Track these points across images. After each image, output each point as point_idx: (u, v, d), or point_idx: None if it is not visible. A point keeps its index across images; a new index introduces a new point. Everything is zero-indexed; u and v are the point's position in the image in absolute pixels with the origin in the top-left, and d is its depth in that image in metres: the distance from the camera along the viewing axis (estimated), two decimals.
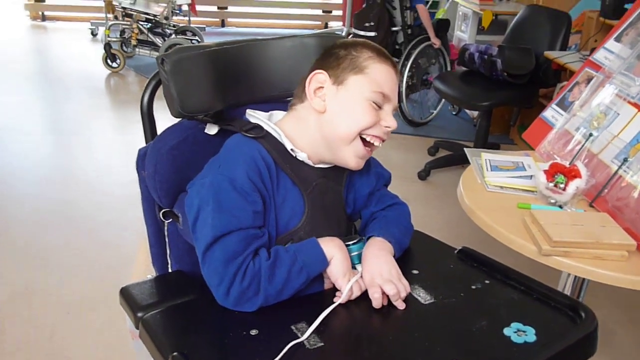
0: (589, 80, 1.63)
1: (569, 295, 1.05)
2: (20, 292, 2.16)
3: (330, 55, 1.03)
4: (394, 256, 1.03)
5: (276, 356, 0.80)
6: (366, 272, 0.97)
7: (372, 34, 3.98)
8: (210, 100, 1.02)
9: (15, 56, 5.68)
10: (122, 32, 5.32)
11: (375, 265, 0.98)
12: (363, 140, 1.02)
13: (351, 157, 1.02)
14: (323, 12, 7.76)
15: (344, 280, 0.95)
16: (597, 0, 3.13)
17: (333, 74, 1.01)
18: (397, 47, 4.10)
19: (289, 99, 1.20)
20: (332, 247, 0.97)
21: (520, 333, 0.87)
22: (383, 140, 1.04)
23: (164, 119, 1.09)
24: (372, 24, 3.96)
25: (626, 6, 2.75)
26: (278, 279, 0.91)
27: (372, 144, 1.03)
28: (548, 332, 0.87)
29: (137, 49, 5.24)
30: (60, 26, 7.09)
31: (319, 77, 1.01)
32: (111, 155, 3.45)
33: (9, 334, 1.94)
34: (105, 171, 3.19)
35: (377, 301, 0.93)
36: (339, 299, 0.93)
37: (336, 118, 1.00)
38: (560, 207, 1.33)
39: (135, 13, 5.14)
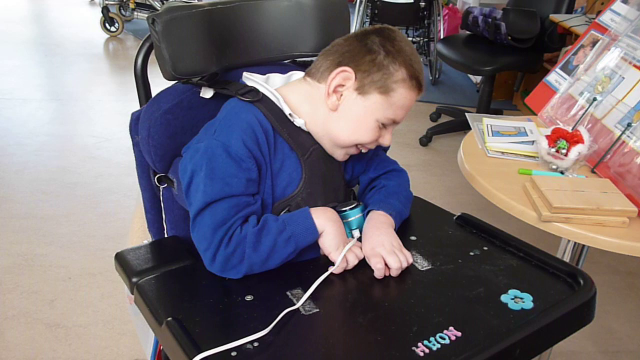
0: (594, 43, 1.59)
1: (568, 262, 1.03)
2: (20, 261, 2.17)
3: (367, 52, 0.96)
4: (395, 229, 1.01)
5: (271, 322, 0.79)
6: (367, 244, 0.96)
7: (409, 0, 3.87)
8: (203, 62, 0.99)
9: (12, 21, 5.60)
10: None
11: (376, 237, 0.97)
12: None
13: (339, 156, 1.04)
14: None
15: (336, 254, 0.93)
16: None
17: (359, 79, 0.96)
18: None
19: (286, 61, 1.17)
20: (324, 219, 0.95)
21: (517, 300, 0.86)
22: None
23: (161, 84, 1.06)
24: None
25: None
26: (263, 247, 0.90)
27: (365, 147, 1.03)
28: (546, 299, 0.86)
29: (135, 13, 5.17)
30: None
31: (346, 76, 0.97)
32: (110, 121, 3.42)
33: (9, 301, 1.96)
34: (105, 137, 3.17)
35: (380, 271, 0.92)
36: (333, 268, 0.92)
37: (342, 123, 0.98)
38: (562, 173, 1.31)
39: None
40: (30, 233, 2.34)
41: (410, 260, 0.95)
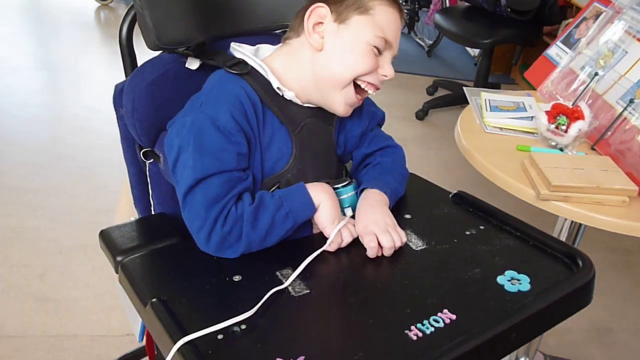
0: (597, 15, 1.55)
1: (566, 242, 1.00)
2: (9, 234, 2.13)
3: None
4: (389, 207, 0.98)
5: (259, 303, 0.76)
6: (360, 222, 0.93)
7: None
8: (189, 31, 0.94)
9: None
10: None
11: (370, 215, 0.93)
12: (357, 86, 0.96)
13: (340, 103, 0.96)
14: None
15: (332, 228, 0.90)
16: None
17: (335, 10, 0.93)
18: None
19: (277, 31, 1.13)
20: (320, 193, 0.92)
21: (514, 281, 0.83)
22: (377, 89, 0.97)
23: (149, 54, 1.02)
24: None
25: None
26: (261, 224, 0.86)
27: (365, 91, 0.97)
28: (543, 281, 0.84)
29: None
30: None
31: (320, 12, 0.93)
32: (101, 91, 3.35)
33: None
34: (96, 109, 3.12)
35: (372, 250, 0.89)
36: (326, 245, 0.89)
37: (333, 58, 0.93)
38: (561, 149, 1.28)
39: None
40: (20, 205, 2.31)
41: (404, 240, 0.92)
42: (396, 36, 0.96)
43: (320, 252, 0.88)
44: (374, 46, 0.93)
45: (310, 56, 0.95)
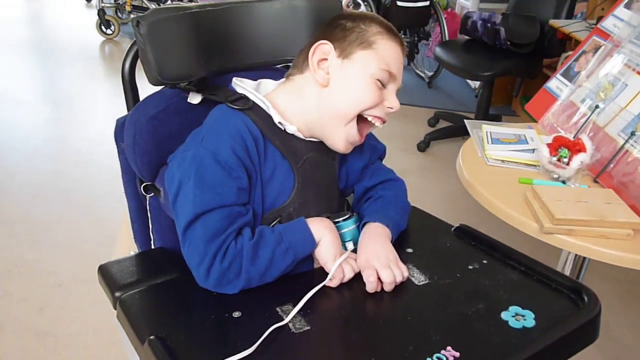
0: (596, 49, 1.56)
1: (570, 277, 0.99)
2: (9, 267, 2.12)
3: (336, 26, 0.97)
4: (392, 241, 0.98)
5: (259, 340, 0.75)
6: (362, 255, 0.92)
7: (426, 3, 3.87)
8: (190, 67, 0.95)
9: (8, 22, 5.56)
10: None
11: (371, 248, 0.93)
12: (364, 120, 0.96)
13: (342, 140, 0.96)
14: None
15: (332, 264, 0.89)
16: None
17: (339, 46, 0.94)
18: None
19: (278, 66, 1.13)
20: (321, 228, 0.91)
21: (518, 317, 0.82)
22: (384, 122, 0.98)
23: (151, 89, 1.02)
24: None
25: None
26: (261, 259, 0.86)
27: (372, 124, 0.98)
28: (548, 317, 0.82)
29: (131, 15, 5.13)
30: None
31: (324, 48, 0.95)
32: (104, 124, 3.37)
33: None
34: (98, 141, 3.13)
35: (371, 285, 0.88)
36: (326, 281, 0.88)
37: (338, 93, 0.94)
38: (564, 182, 1.27)
39: None
40: (21, 238, 2.30)
41: (406, 275, 0.91)
42: (399, 68, 0.97)
43: (320, 289, 0.87)
44: (378, 79, 0.94)
45: (316, 92, 0.95)
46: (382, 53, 0.94)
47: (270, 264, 0.86)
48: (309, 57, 0.95)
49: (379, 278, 0.88)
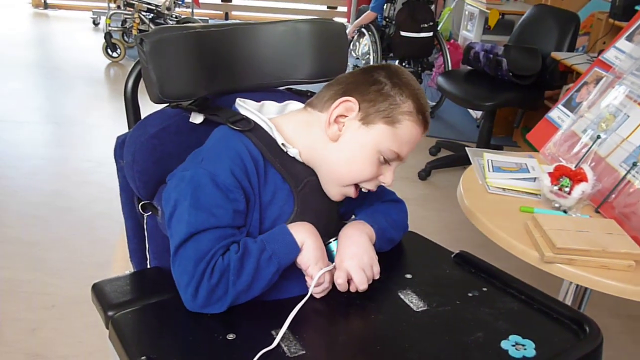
0: (598, 80, 1.56)
1: (572, 307, 0.97)
2: (3, 287, 2.09)
3: (373, 83, 0.93)
4: (375, 244, 0.97)
5: None
6: (337, 255, 0.93)
7: (429, 34, 3.90)
8: (193, 86, 0.95)
9: (15, 44, 5.62)
10: (124, 21, 5.27)
11: (346, 247, 0.93)
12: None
13: (336, 195, 0.97)
14: (328, 7, 7.68)
15: (314, 269, 0.88)
16: (606, 2, 3.06)
17: (364, 109, 0.92)
18: None
19: (281, 87, 1.13)
20: (302, 232, 0.90)
21: (518, 347, 0.80)
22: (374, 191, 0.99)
23: (154, 109, 1.02)
24: (430, 24, 3.87)
25: (636, 7, 2.68)
26: (247, 270, 0.84)
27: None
28: (549, 347, 0.81)
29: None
30: (62, 14, 7.04)
31: (349, 106, 0.92)
32: (106, 145, 3.32)
33: None
34: (100, 162, 3.13)
35: (340, 287, 0.90)
36: (311, 288, 0.87)
37: (341, 155, 0.93)
38: (565, 211, 1.26)
39: (137, 3, 5.08)
40: (17, 258, 2.27)
41: (377, 276, 0.93)
42: (410, 151, 0.96)
43: (316, 313, 0.85)
44: (385, 157, 0.93)
45: (323, 139, 0.94)
46: (402, 135, 0.93)
47: (256, 274, 0.85)
48: (330, 108, 0.93)
49: (350, 279, 0.90)
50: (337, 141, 0.93)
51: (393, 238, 1.04)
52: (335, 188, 0.96)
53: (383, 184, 0.97)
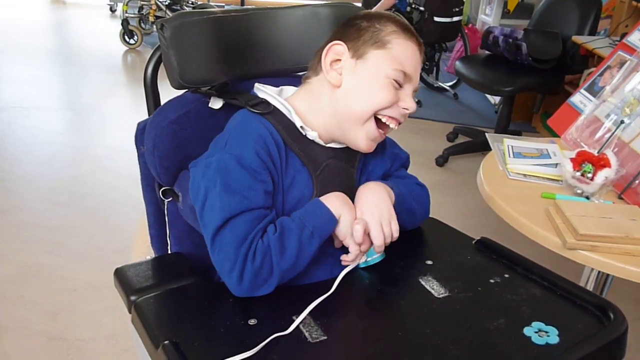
0: (621, 64, 1.53)
1: (595, 293, 0.96)
2: (24, 272, 2.12)
3: (351, 26, 0.95)
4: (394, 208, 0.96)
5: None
6: (356, 206, 0.93)
7: (460, 17, 3.87)
8: (213, 71, 0.95)
9: (33, 32, 5.66)
10: (141, 8, 5.28)
11: (366, 202, 0.93)
12: (378, 121, 0.94)
13: (362, 139, 0.95)
14: None
15: (352, 240, 0.90)
16: None
17: (352, 47, 0.93)
18: None
19: (301, 73, 1.13)
20: (338, 205, 0.90)
21: (541, 333, 0.79)
22: (399, 123, 0.96)
23: (173, 94, 1.02)
24: (461, 7, 3.84)
25: None
26: (290, 250, 0.84)
27: (387, 125, 0.95)
28: (572, 334, 0.80)
29: (154, 26, 5.19)
30: (79, 2, 7.08)
31: (337, 49, 0.94)
32: (124, 132, 3.40)
33: (12, 313, 1.91)
34: (117, 149, 3.15)
35: (357, 238, 0.90)
36: (351, 265, 0.90)
37: (352, 94, 0.93)
38: (587, 198, 1.24)
39: None
40: (37, 243, 2.31)
41: (397, 235, 0.93)
42: (416, 69, 0.95)
43: (338, 299, 0.85)
44: (394, 79, 0.92)
45: (330, 93, 0.94)
46: (397, 53, 0.93)
47: (300, 252, 0.85)
48: (322, 58, 0.94)
49: (368, 234, 0.90)
50: (341, 86, 0.94)
51: (413, 209, 1.03)
52: (360, 131, 0.94)
53: (406, 111, 0.94)
